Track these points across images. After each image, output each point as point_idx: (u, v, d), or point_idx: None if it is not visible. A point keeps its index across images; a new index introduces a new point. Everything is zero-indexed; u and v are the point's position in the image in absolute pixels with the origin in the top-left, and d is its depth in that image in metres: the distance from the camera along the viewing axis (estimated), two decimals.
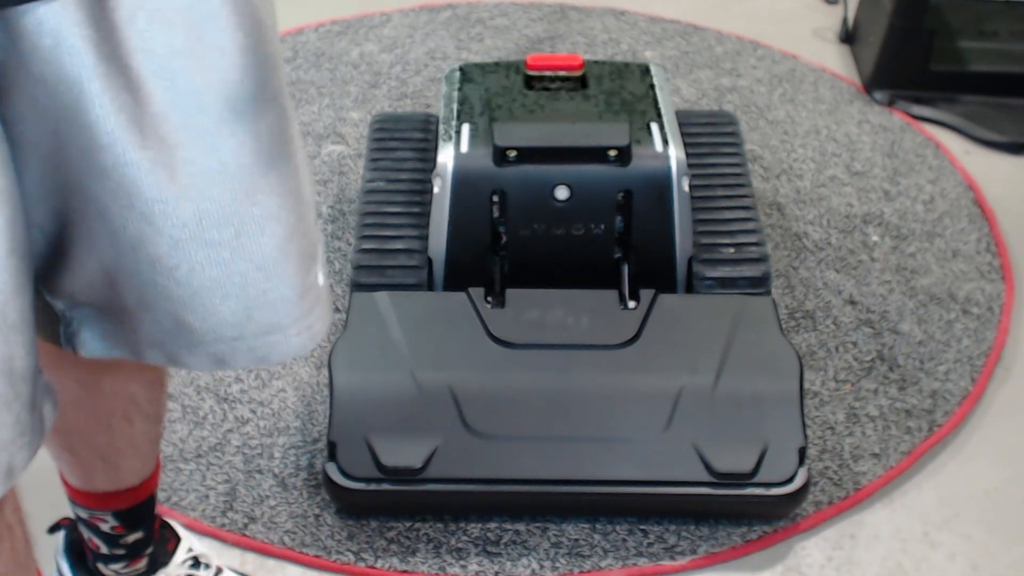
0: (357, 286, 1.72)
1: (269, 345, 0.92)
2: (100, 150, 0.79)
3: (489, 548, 1.56)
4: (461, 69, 1.94)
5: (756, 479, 1.52)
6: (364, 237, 1.76)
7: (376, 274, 1.72)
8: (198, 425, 1.71)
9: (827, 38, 2.67)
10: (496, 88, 1.87)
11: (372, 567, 1.54)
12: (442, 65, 2.48)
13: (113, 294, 0.87)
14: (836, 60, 2.58)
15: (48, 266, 0.88)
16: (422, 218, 1.78)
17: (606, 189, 1.71)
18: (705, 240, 1.77)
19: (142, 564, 1.37)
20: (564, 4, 2.73)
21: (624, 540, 1.57)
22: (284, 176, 0.88)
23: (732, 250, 1.76)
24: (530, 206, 1.72)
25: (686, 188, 1.73)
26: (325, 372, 1.76)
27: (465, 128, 1.76)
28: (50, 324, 0.93)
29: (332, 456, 1.53)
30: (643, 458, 1.53)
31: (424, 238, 1.75)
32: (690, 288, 1.74)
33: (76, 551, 1.40)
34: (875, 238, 2.08)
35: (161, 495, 1.60)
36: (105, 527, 1.31)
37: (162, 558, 1.40)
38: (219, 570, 1.44)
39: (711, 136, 1.98)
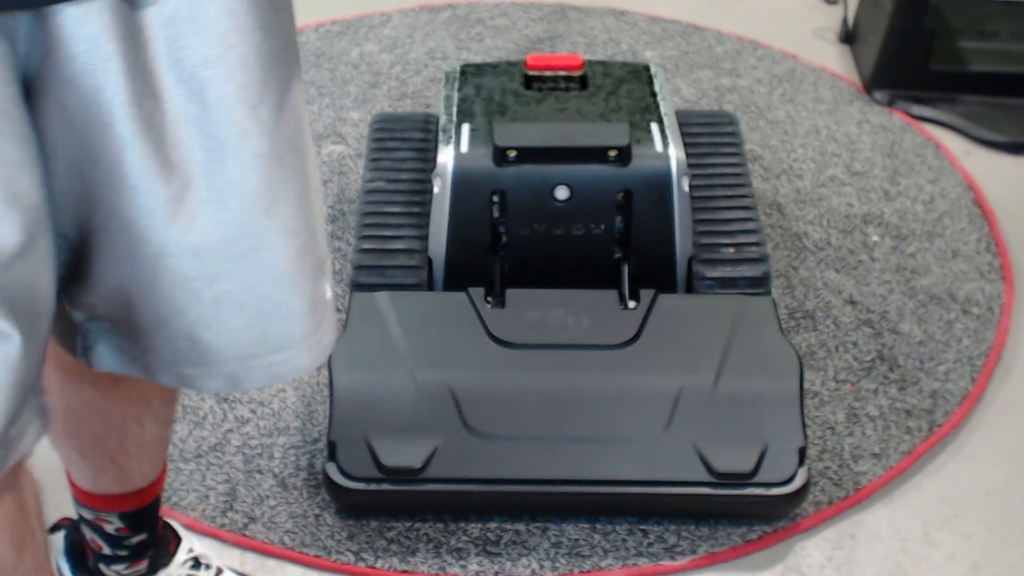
0: (357, 286, 1.72)
1: (283, 362, 0.92)
2: (123, 161, 0.79)
3: (489, 548, 1.56)
4: (461, 69, 1.94)
5: (756, 479, 1.52)
6: (364, 237, 1.76)
7: (376, 274, 1.72)
8: (198, 425, 1.71)
9: (827, 38, 2.67)
10: (496, 88, 1.86)
11: (372, 567, 1.54)
12: (442, 65, 2.48)
13: (129, 311, 0.87)
14: (836, 60, 2.58)
15: (69, 276, 0.88)
16: (422, 218, 1.78)
17: (606, 189, 1.71)
18: (705, 240, 1.77)
19: (143, 565, 1.37)
20: (564, 4, 2.73)
21: (624, 540, 1.57)
22: (299, 187, 0.88)
23: (732, 250, 1.76)
24: (530, 206, 1.72)
25: (686, 188, 1.73)
26: (325, 372, 1.76)
27: (465, 128, 1.76)
28: (68, 333, 0.93)
29: (332, 456, 1.53)
30: (643, 458, 1.53)
31: (424, 238, 1.75)
32: (690, 288, 1.74)
33: (76, 551, 1.41)
34: (875, 238, 2.08)
35: (161, 498, 1.60)
36: (110, 528, 1.31)
37: (163, 559, 1.40)
38: (219, 571, 1.44)
39: (711, 136, 1.98)
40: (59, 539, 1.43)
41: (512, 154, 1.70)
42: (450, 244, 1.73)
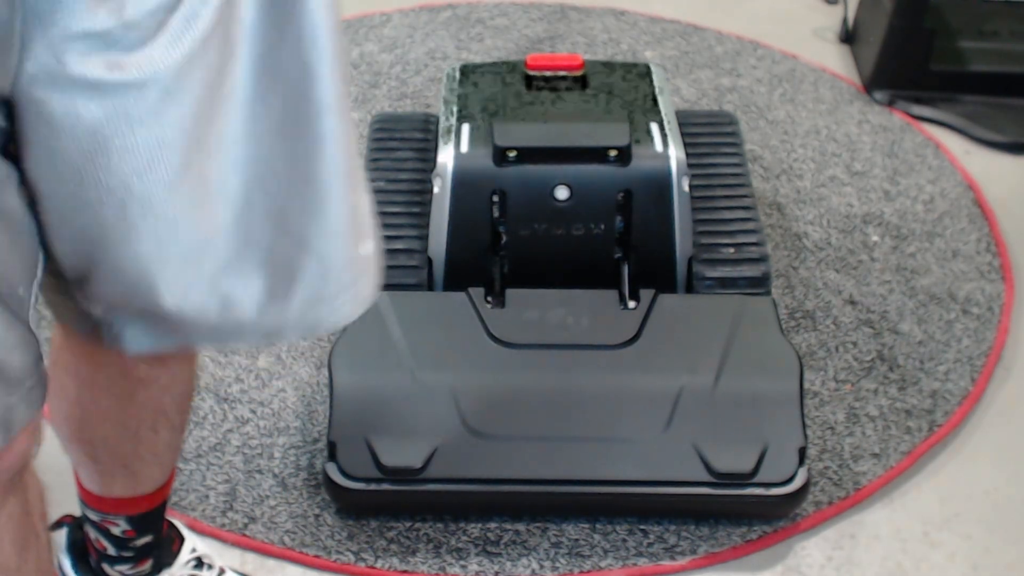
0: None
1: (319, 315, 0.94)
2: (138, 135, 0.78)
3: (489, 548, 1.56)
4: (461, 69, 1.94)
5: (756, 479, 1.52)
6: None
7: None
8: (198, 425, 1.71)
9: (827, 38, 2.67)
10: (496, 88, 1.86)
11: (372, 567, 1.54)
12: (442, 65, 2.48)
13: (151, 292, 0.87)
14: (836, 60, 2.58)
15: (81, 277, 0.87)
16: (422, 218, 1.78)
17: (606, 189, 1.71)
18: (705, 240, 1.77)
19: (147, 566, 1.37)
20: (564, 4, 2.73)
21: (624, 540, 1.57)
22: (340, 163, 0.89)
23: (732, 250, 1.76)
24: (530, 206, 1.72)
25: (686, 188, 1.73)
26: (325, 372, 1.76)
27: (465, 128, 1.76)
28: (92, 328, 0.93)
29: (332, 456, 1.53)
30: (643, 458, 1.53)
31: (424, 238, 1.75)
32: (690, 288, 1.74)
33: (78, 549, 1.40)
34: (875, 238, 2.08)
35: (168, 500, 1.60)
36: (116, 531, 1.31)
37: (166, 559, 1.40)
38: (222, 571, 1.44)
39: (711, 136, 1.98)
40: (61, 536, 1.42)
41: (512, 154, 1.70)
42: (450, 244, 1.73)
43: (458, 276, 1.73)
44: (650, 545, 1.57)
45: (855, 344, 1.87)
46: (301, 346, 1.83)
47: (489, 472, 1.53)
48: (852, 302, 1.94)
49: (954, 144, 2.33)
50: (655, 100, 1.84)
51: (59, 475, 1.29)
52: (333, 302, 0.94)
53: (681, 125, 1.83)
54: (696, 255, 1.75)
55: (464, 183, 1.71)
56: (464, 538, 1.57)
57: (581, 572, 1.54)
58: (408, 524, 1.58)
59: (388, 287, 1.70)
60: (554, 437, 1.55)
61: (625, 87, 1.87)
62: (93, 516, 1.31)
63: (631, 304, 1.67)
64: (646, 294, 1.67)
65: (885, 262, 2.03)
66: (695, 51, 2.58)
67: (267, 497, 1.61)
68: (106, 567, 1.36)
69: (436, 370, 1.58)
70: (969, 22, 2.53)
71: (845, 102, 2.43)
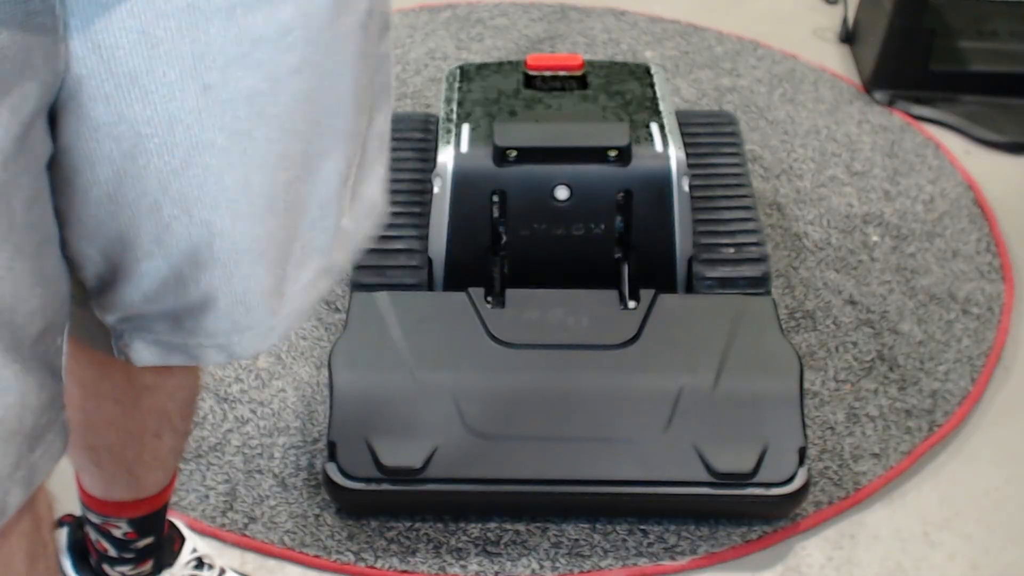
0: (357, 286, 1.72)
1: (307, 301, 0.94)
2: (177, 134, 0.78)
3: (489, 548, 1.56)
4: (461, 69, 1.94)
5: (756, 479, 1.52)
6: None
7: (376, 274, 1.72)
8: (198, 425, 1.71)
9: (827, 38, 2.67)
10: (496, 88, 1.87)
11: (372, 567, 1.54)
12: (442, 65, 2.48)
13: (179, 296, 0.87)
14: (836, 60, 2.58)
15: (104, 283, 0.87)
16: (422, 218, 1.78)
17: (606, 189, 1.71)
18: (705, 240, 1.77)
19: (148, 566, 1.37)
20: (564, 4, 2.73)
21: (624, 540, 1.57)
22: (349, 156, 0.89)
23: (732, 250, 1.76)
24: (530, 206, 1.72)
25: (686, 188, 1.73)
26: (325, 372, 1.76)
27: (465, 128, 1.76)
28: (102, 336, 0.93)
29: (332, 456, 1.53)
30: (643, 458, 1.53)
31: (424, 238, 1.75)
32: (690, 288, 1.74)
33: (79, 548, 1.41)
34: (875, 238, 2.08)
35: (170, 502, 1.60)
36: (118, 533, 1.31)
37: (167, 559, 1.40)
38: (222, 571, 1.44)
39: (711, 136, 1.98)
40: (61, 535, 1.43)
41: (512, 154, 1.70)
42: (450, 244, 1.73)
43: (458, 276, 1.73)
44: (650, 545, 1.57)
45: (855, 344, 1.87)
46: (301, 346, 1.83)
47: (489, 472, 1.53)
48: (852, 302, 1.94)
49: (954, 144, 2.33)
50: (655, 100, 1.84)
51: (60, 474, 1.29)
52: (317, 285, 0.95)
53: (681, 125, 1.83)
54: (696, 255, 1.75)
55: (464, 183, 1.71)
56: (464, 538, 1.57)
57: (581, 572, 1.54)
58: (408, 524, 1.58)
59: (388, 287, 1.70)
60: (554, 437, 1.55)
61: (625, 87, 1.87)
62: (94, 518, 1.31)
63: (631, 304, 1.67)
64: (646, 294, 1.67)
65: (885, 262, 2.03)
66: (695, 51, 2.58)
67: (267, 497, 1.61)
68: (107, 568, 1.36)
69: (436, 370, 1.58)
70: (969, 22, 2.53)
71: (845, 102, 2.43)
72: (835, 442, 1.71)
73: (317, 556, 1.55)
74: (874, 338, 1.88)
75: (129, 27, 0.73)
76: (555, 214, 1.71)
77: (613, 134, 1.71)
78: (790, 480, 1.53)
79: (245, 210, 0.83)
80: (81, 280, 0.88)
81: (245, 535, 1.57)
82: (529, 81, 1.89)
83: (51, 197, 0.79)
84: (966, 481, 1.69)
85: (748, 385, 1.58)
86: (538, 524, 1.59)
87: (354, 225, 0.97)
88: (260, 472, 1.65)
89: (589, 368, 1.60)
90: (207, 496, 1.61)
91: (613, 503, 1.57)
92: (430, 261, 1.74)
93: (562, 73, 1.90)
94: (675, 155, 1.72)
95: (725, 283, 1.73)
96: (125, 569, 1.35)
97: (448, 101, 1.85)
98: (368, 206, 0.98)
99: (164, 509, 1.33)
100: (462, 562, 1.54)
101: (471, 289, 1.68)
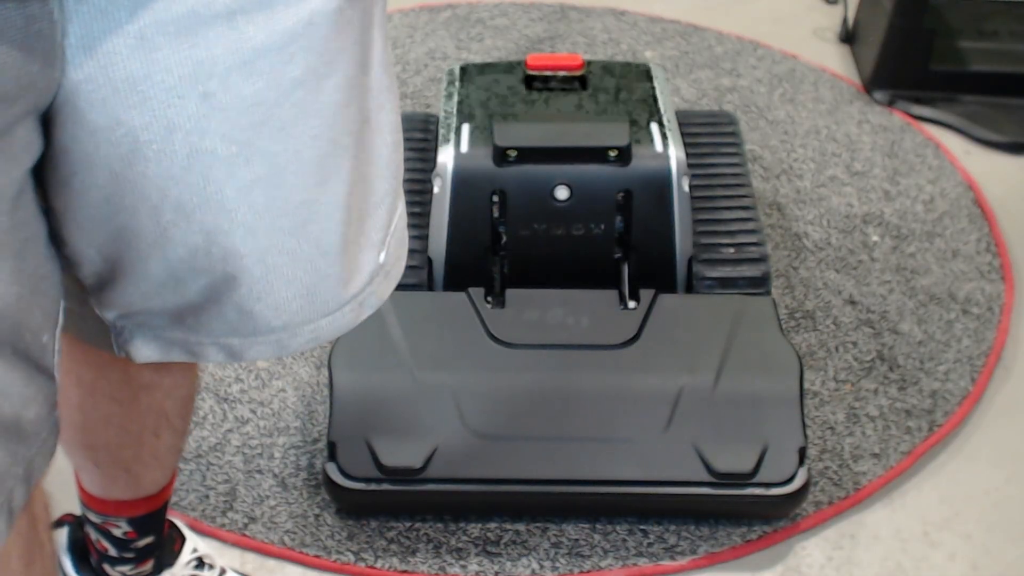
0: None
1: (327, 325, 0.92)
2: (176, 141, 0.77)
3: (489, 548, 1.56)
4: (461, 69, 1.94)
5: (756, 479, 1.52)
6: None
7: None
8: (198, 425, 1.71)
9: (827, 38, 2.67)
10: (496, 88, 1.87)
11: (372, 567, 1.54)
12: (442, 65, 2.48)
13: (178, 296, 0.87)
14: (836, 60, 2.58)
15: (103, 282, 0.87)
16: (422, 218, 1.78)
17: (606, 189, 1.71)
18: (705, 240, 1.77)
19: (148, 566, 1.37)
20: (564, 4, 2.73)
21: (624, 540, 1.57)
22: (357, 161, 0.87)
23: (732, 250, 1.76)
24: (530, 206, 1.72)
25: (686, 188, 1.73)
26: (325, 372, 1.76)
27: (465, 128, 1.76)
28: (101, 333, 0.93)
29: (332, 456, 1.53)
30: (643, 458, 1.53)
31: (424, 238, 1.75)
32: (690, 288, 1.74)
33: (79, 548, 1.41)
34: (875, 238, 2.08)
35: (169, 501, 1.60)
36: (118, 532, 1.31)
37: (167, 559, 1.40)
38: (223, 571, 1.44)
39: (711, 136, 1.98)
40: (61, 535, 1.43)
41: (512, 154, 1.70)
42: (450, 244, 1.73)
43: (458, 276, 1.73)
44: (650, 545, 1.57)
45: (855, 344, 1.87)
46: None
47: (489, 472, 1.53)
48: (852, 302, 1.94)
49: (954, 144, 2.33)
50: (655, 100, 1.84)
51: (59, 473, 1.29)
52: (342, 309, 0.93)
53: (681, 125, 1.83)
54: (696, 255, 1.75)
55: (464, 183, 1.71)
56: (464, 538, 1.57)
57: (581, 572, 1.54)
58: (408, 524, 1.58)
59: None
60: (554, 437, 1.55)
61: (625, 87, 1.87)
62: (94, 518, 1.31)
63: (631, 304, 1.67)
64: (646, 294, 1.67)
65: (885, 262, 2.03)
66: (695, 51, 2.58)
67: (267, 497, 1.61)
68: (107, 568, 1.36)
69: (436, 370, 1.58)
70: (969, 22, 2.53)
71: (845, 102, 2.43)
72: (835, 442, 1.71)
73: (317, 556, 1.55)
74: (874, 338, 1.88)
75: (127, 32, 0.73)
76: (555, 214, 1.71)
77: (613, 134, 1.71)
78: (790, 480, 1.53)
79: (248, 222, 0.82)
80: (80, 278, 0.87)
81: (245, 535, 1.57)
82: (529, 81, 1.89)
83: (37, 196, 0.79)
84: (966, 481, 1.69)
85: (748, 385, 1.58)
86: (538, 524, 1.59)
87: (392, 259, 0.96)
88: (260, 472, 1.65)
89: (589, 368, 1.60)
90: (207, 496, 1.62)
91: (613, 503, 1.57)
92: (430, 261, 1.74)
93: (562, 73, 1.90)
94: (675, 155, 1.72)
95: (725, 283, 1.73)
96: (125, 569, 1.35)
97: (448, 101, 1.85)
98: (402, 237, 0.97)
99: (164, 508, 1.33)
100: (462, 562, 1.54)
101: (471, 289, 1.68)
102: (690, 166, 1.79)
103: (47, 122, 0.76)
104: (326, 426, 1.61)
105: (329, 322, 0.92)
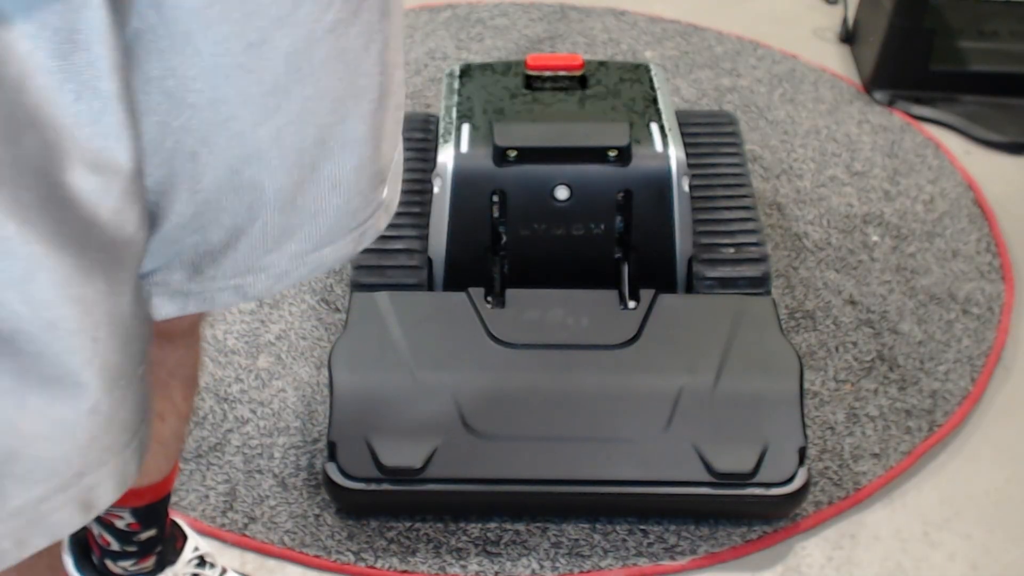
0: (357, 286, 1.72)
1: (329, 254, 0.96)
2: (219, 90, 0.81)
3: (489, 548, 1.56)
4: (461, 69, 1.94)
5: (756, 479, 1.52)
6: None
7: (376, 274, 1.72)
8: (198, 425, 1.71)
9: (827, 38, 2.67)
10: (496, 88, 1.87)
11: (372, 567, 1.54)
12: (442, 65, 2.48)
13: (201, 239, 0.89)
14: (836, 60, 2.58)
15: None
16: (422, 218, 1.78)
17: (606, 189, 1.71)
18: (705, 240, 1.77)
19: (150, 562, 1.37)
20: (564, 4, 2.73)
21: (624, 540, 1.57)
22: (373, 103, 0.91)
23: (732, 250, 1.76)
24: (530, 206, 1.72)
25: (686, 188, 1.73)
26: (325, 372, 1.76)
27: (465, 128, 1.76)
28: None
29: (332, 456, 1.53)
30: (643, 458, 1.53)
31: (424, 238, 1.75)
32: (690, 288, 1.74)
33: (81, 547, 1.41)
34: (875, 238, 2.08)
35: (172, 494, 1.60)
36: (120, 524, 1.31)
37: (170, 556, 1.40)
38: (224, 570, 1.45)
39: (711, 136, 1.98)
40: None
41: (512, 154, 1.70)
42: (450, 244, 1.73)
43: (458, 276, 1.73)
44: (650, 545, 1.57)
45: (855, 344, 1.87)
46: (301, 346, 1.83)
47: (489, 472, 1.53)
48: (852, 302, 1.94)
49: (954, 144, 2.33)
50: (655, 100, 1.84)
51: None
52: (344, 239, 0.97)
53: (681, 125, 1.83)
54: (696, 255, 1.75)
55: (464, 183, 1.71)
56: (464, 538, 1.57)
57: (581, 572, 1.54)
58: (408, 524, 1.58)
59: (388, 287, 1.70)
60: (554, 437, 1.55)
61: (625, 87, 1.87)
62: None
63: (631, 304, 1.67)
64: (646, 294, 1.67)
65: (885, 262, 2.03)
66: (695, 51, 2.58)
67: (267, 497, 1.62)
68: (109, 564, 1.36)
69: (436, 370, 1.58)
70: (969, 22, 2.53)
71: (845, 102, 2.43)
72: (835, 442, 1.71)
73: (317, 556, 1.55)
74: (874, 338, 1.88)
75: None
76: (555, 214, 1.71)
77: (613, 134, 1.71)
78: (790, 480, 1.53)
79: (275, 162, 0.86)
80: None
81: (245, 535, 1.57)
82: (529, 81, 1.89)
83: None
84: (966, 481, 1.69)
85: (748, 385, 1.58)
86: (538, 524, 1.59)
87: (391, 194, 1.00)
88: (260, 472, 1.65)
89: (589, 368, 1.60)
90: (207, 496, 1.62)
91: (613, 503, 1.57)
92: (430, 261, 1.74)
93: (562, 73, 1.90)
94: (675, 155, 1.72)
95: (725, 283, 1.73)
96: (127, 564, 1.36)
97: (448, 101, 1.85)
98: (398, 173, 1.02)
99: (166, 501, 1.33)
100: (462, 562, 1.54)
101: (471, 289, 1.68)
102: (690, 166, 1.79)
103: None
104: (326, 426, 1.61)
105: (332, 251, 0.96)
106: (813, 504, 1.62)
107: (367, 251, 1.74)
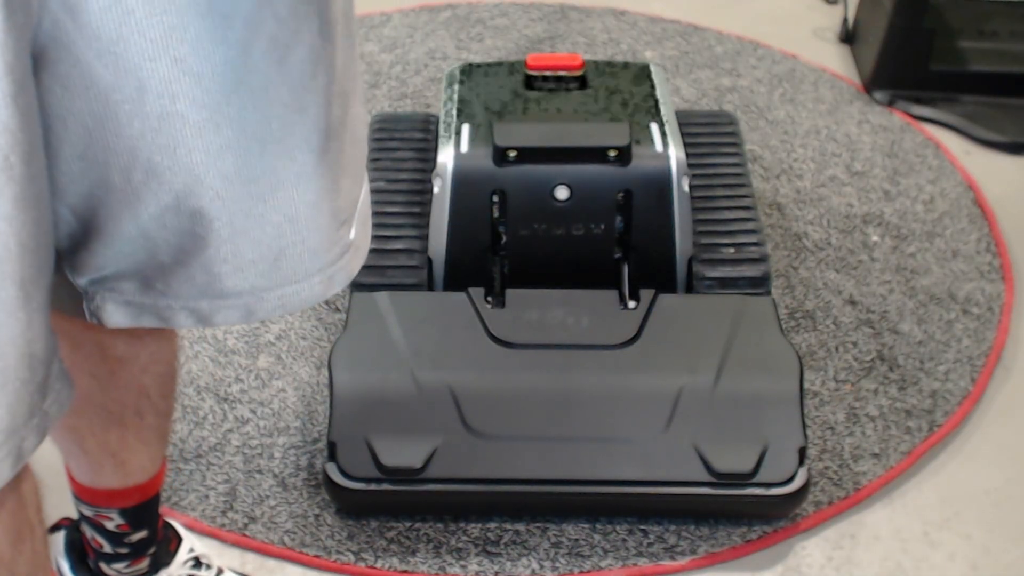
0: (357, 286, 1.72)
1: (294, 294, 0.95)
2: (147, 103, 0.79)
3: (489, 548, 1.56)
4: (461, 69, 1.94)
5: (756, 479, 1.52)
6: None
7: (376, 274, 1.72)
8: (198, 425, 1.71)
9: (827, 38, 2.67)
10: (496, 88, 1.87)
11: (372, 567, 1.54)
12: (442, 65, 2.49)
13: (149, 256, 0.89)
14: (836, 60, 2.58)
15: (76, 243, 0.89)
16: (422, 218, 1.78)
17: (606, 189, 1.71)
18: (705, 240, 1.77)
19: (144, 564, 1.37)
20: (564, 4, 2.73)
21: (624, 540, 1.57)
22: (321, 136, 0.90)
23: (732, 250, 1.76)
24: (530, 206, 1.72)
25: (686, 188, 1.73)
26: (325, 372, 1.76)
27: (465, 128, 1.76)
28: (73, 300, 0.94)
29: (332, 456, 1.53)
30: (643, 458, 1.53)
31: (424, 238, 1.75)
32: (690, 288, 1.74)
33: (76, 551, 1.41)
34: (875, 238, 2.08)
35: (161, 495, 1.60)
36: (110, 525, 1.31)
37: (164, 558, 1.40)
38: (220, 571, 1.44)
39: (711, 136, 1.98)
40: (59, 539, 1.43)
41: (512, 154, 1.70)
42: (450, 244, 1.73)
43: (458, 276, 1.73)
44: (650, 545, 1.57)
45: (855, 344, 1.87)
46: (301, 346, 1.83)
47: (489, 472, 1.53)
48: (852, 302, 1.94)
49: (954, 144, 2.33)
50: (655, 100, 1.84)
51: (58, 475, 1.29)
52: (310, 279, 0.96)
53: (681, 125, 1.83)
54: (696, 255, 1.75)
55: (464, 183, 1.71)
56: (464, 538, 1.57)
57: (581, 572, 1.54)
58: (408, 524, 1.58)
59: (388, 287, 1.70)
60: (554, 437, 1.55)
61: (625, 87, 1.87)
62: (87, 511, 1.31)
63: (631, 304, 1.67)
64: (646, 294, 1.67)
65: (885, 262, 2.03)
66: (695, 51, 2.58)
67: (267, 497, 1.62)
68: (103, 566, 1.36)
69: (436, 370, 1.58)
70: (969, 22, 2.53)
71: (845, 102, 2.43)
72: (835, 442, 1.71)
73: (317, 556, 1.55)
74: (874, 338, 1.88)
75: None
76: (555, 214, 1.71)
77: (613, 134, 1.71)
78: (790, 480, 1.53)
79: (215, 183, 0.85)
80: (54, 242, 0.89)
81: (245, 535, 1.57)
82: (529, 81, 1.89)
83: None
84: (966, 481, 1.69)
85: (748, 385, 1.58)
86: (538, 524, 1.59)
87: (360, 236, 0.99)
88: (260, 472, 1.65)
89: (589, 368, 1.60)
90: (207, 496, 1.62)
91: (613, 503, 1.57)
92: (430, 261, 1.74)
93: (562, 73, 1.90)
94: (675, 155, 1.72)
95: (725, 283, 1.73)
96: (120, 566, 1.36)
97: (448, 101, 1.85)
98: (367, 214, 0.99)
99: (155, 501, 1.33)
100: (462, 562, 1.54)
101: (471, 289, 1.68)
102: (690, 166, 1.79)
103: None
104: (326, 426, 1.61)
105: (296, 291, 0.95)
106: (813, 504, 1.62)
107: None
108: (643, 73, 1.92)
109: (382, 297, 1.66)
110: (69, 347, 1.11)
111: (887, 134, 2.34)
